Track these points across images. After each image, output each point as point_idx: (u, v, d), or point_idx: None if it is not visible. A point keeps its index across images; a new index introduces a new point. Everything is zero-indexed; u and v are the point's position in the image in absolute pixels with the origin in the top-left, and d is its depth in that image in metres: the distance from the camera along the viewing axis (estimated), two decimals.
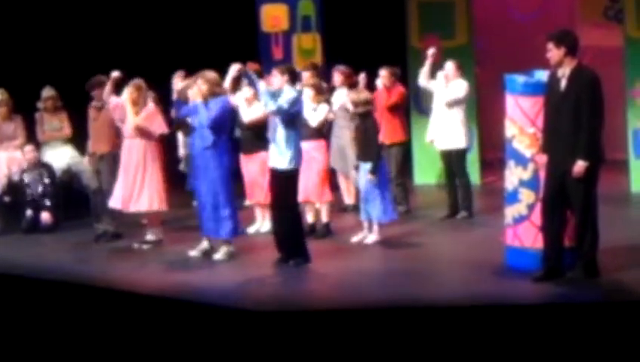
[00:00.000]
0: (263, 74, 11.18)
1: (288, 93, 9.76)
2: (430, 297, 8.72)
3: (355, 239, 10.69)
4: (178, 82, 12.20)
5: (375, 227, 10.61)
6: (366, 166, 10.53)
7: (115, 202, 10.98)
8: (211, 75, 10.28)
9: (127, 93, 10.88)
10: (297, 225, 9.89)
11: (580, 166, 8.47)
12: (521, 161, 9.09)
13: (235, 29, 15.50)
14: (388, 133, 11.85)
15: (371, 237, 10.62)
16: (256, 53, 15.27)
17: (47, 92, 13.16)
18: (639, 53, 13.05)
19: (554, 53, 8.60)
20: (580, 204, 8.59)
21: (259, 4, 15.36)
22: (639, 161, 13.06)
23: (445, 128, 11.72)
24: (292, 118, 9.76)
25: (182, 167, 13.20)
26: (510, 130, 9.22)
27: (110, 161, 11.31)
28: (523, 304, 8.35)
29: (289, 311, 8.53)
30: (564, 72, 8.60)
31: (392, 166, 11.86)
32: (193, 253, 10.43)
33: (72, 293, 9.49)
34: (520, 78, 9.21)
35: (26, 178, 12.59)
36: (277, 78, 9.92)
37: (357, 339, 7.82)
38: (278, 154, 9.77)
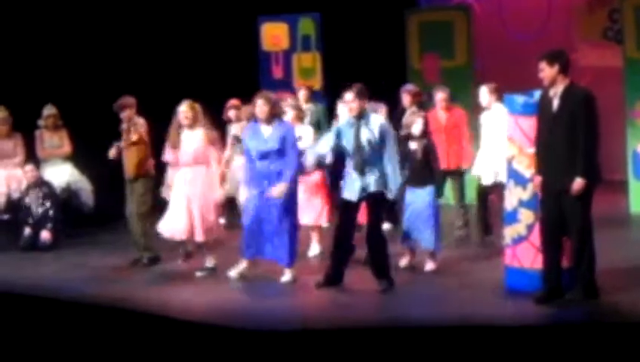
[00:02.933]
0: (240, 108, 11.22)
1: (375, 120, 9.52)
2: (428, 317, 8.70)
3: (428, 268, 10.29)
4: (232, 110, 12.22)
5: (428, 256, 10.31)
6: (420, 191, 10.17)
7: (177, 233, 10.53)
8: (271, 95, 10.09)
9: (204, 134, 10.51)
10: (384, 249, 9.59)
11: (578, 183, 8.44)
12: (521, 181, 9.09)
13: (236, 48, 15.55)
14: (451, 157, 11.59)
15: (429, 266, 10.27)
16: (256, 71, 15.32)
17: (49, 110, 13.19)
18: (638, 73, 13.07)
19: (547, 72, 8.60)
20: (576, 225, 8.56)
21: (259, 22, 15.40)
22: (638, 181, 13.06)
23: (493, 162, 11.18)
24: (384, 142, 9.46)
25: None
26: (510, 150, 9.22)
27: (143, 186, 11.08)
28: (522, 325, 8.32)
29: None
30: (557, 91, 8.59)
31: (454, 191, 11.75)
32: (284, 279, 10.06)
33: (71, 312, 9.46)
34: (519, 99, 9.22)
35: (26, 197, 12.58)
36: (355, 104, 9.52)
37: (354, 359, 7.80)
38: (347, 185, 9.56)
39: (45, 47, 14.98)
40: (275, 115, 9.95)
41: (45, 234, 12.44)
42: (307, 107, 12.61)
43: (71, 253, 12.12)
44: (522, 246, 9.13)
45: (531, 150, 8.98)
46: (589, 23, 15.69)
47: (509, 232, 9.27)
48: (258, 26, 15.40)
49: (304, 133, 10.97)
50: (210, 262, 10.66)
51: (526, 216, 9.08)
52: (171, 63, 15.33)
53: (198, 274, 10.56)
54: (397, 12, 15.11)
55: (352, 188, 9.52)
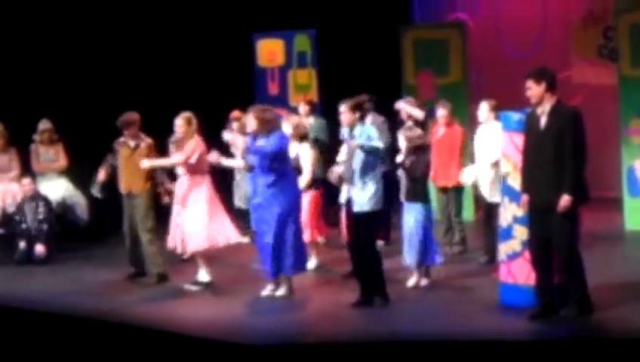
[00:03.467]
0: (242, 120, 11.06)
1: (372, 132, 9.46)
2: (423, 332, 8.70)
3: (410, 284, 10.26)
4: (234, 123, 12.12)
5: (416, 272, 10.27)
6: (411, 206, 10.15)
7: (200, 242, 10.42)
8: (262, 109, 10.05)
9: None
10: (377, 266, 9.56)
11: (565, 200, 8.43)
12: (515, 197, 9.09)
13: (232, 64, 15.57)
14: (448, 174, 11.62)
15: (423, 281, 10.26)
16: (252, 88, 15.34)
17: (44, 125, 13.20)
18: (633, 91, 13.10)
19: (534, 90, 8.61)
20: (563, 244, 8.54)
21: (255, 39, 15.44)
22: (633, 199, 13.08)
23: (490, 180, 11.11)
24: (375, 158, 9.44)
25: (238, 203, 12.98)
26: (505, 166, 9.24)
27: (147, 201, 10.93)
28: (516, 341, 8.32)
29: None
30: (544, 109, 8.60)
31: (451, 207, 11.75)
32: (279, 293, 9.99)
33: (66, 326, 9.44)
34: (515, 116, 9.24)
35: (22, 210, 12.58)
36: (345, 116, 9.51)
37: None
38: (357, 196, 9.41)
39: (40, 61, 14.98)
40: (267, 128, 9.85)
41: (40, 248, 12.43)
42: (307, 121, 12.52)
43: (65, 267, 12.12)
44: (517, 263, 9.14)
45: None
46: (583, 40, 15.74)
47: (504, 248, 9.27)
48: (254, 43, 15.43)
49: (302, 150, 10.87)
50: (203, 276, 10.55)
51: (520, 233, 9.09)
52: (167, 79, 15.34)
53: (188, 287, 10.47)
54: (392, 29, 15.15)
55: (342, 196, 9.65)
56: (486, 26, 16.08)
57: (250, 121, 9.90)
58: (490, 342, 8.27)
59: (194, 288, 10.50)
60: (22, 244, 12.50)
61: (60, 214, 12.98)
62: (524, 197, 8.77)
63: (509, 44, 16.08)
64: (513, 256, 9.17)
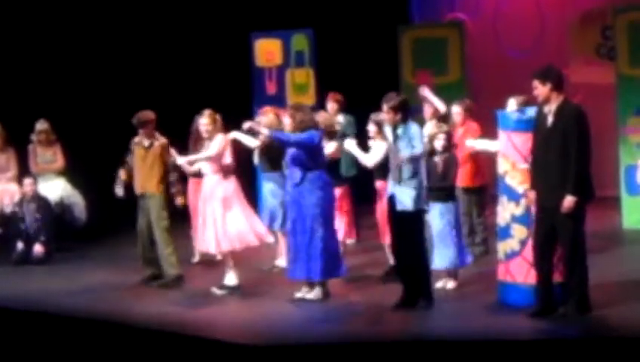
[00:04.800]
0: (279, 117, 10.75)
1: (414, 131, 9.27)
2: (422, 332, 8.71)
3: (438, 285, 9.95)
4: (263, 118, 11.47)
5: (446, 274, 10.02)
6: (440, 206, 9.91)
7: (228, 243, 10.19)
8: (299, 108, 9.84)
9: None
10: (423, 266, 9.39)
11: (569, 201, 8.46)
12: (514, 196, 9.09)
13: (229, 64, 15.57)
14: (474, 174, 11.35)
15: (450, 284, 10.02)
16: (250, 87, 15.33)
17: (41, 125, 13.18)
18: (631, 90, 13.10)
19: (540, 90, 8.63)
20: (568, 241, 8.58)
21: (253, 38, 15.42)
22: (631, 197, 13.08)
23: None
24: (419, 157, 9.28)
25: None
26: (502, 165, 9.24)
27: (161, 201, 10.75)
28: (515, 339, 8.32)
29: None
30: (551, 108, 8.62)
31: (473, 208, 11.43)
32: (309, 296, 9.74)
33: (64, 327, 9.44)
34: (513, 115, 9.25)
35: (20, 210, 12.57)
36: (388, 116, 9.33)
37: None
38: (403, 195, 9.21)
39: (37, 62, 14.97)
40: (301, 127, 9.57)
41: (38, 248, 12.42)
42: (336, 119, 12.19)
43: (63, 267, 12.10)
44: (515, 262, 9.13)
45: (524, 166, 9.00)
46: (581, 39, 15.74)
47: (502, 247, 9.27)
48: (252, 42, 15.42)
49: (329, 148, 10.47)
50: (230, 280, 10.26)
51: (519, 232, 9.09)
52: (165, 79, 15.33)
53: (216, 292, 10.23)
54: (390, 28, 15.15)
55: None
56: (484, 26, 16.07)
57: (286, 119, 9.76)
58: (489, 341, 8.27)
59: (221, 292, 10.22)
60: (20, 245, 12.49)
61: (58, 214, 12.96)
62: (531, 194, 8.77)
63: (507, 44, 16.06)
64: (511, 255, 9.16)
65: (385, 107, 9.34)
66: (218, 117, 10.40)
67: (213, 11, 15.79)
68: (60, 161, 13.22)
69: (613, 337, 8.28)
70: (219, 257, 10.85)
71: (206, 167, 10.35)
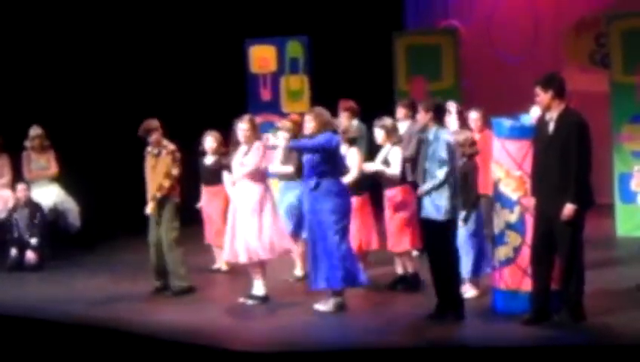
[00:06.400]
0: (300, 126, 10.49)
1: (441, 147, 9.05)
2: (416, 339, 8.70)
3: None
4: (287, 124, 11.28)
5: (467, 283, 9.82)
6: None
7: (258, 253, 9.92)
8: (321, 111, 9.67)
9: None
10: (455, 278, 9.18)
11: (569, 209, 8.48)
12: (508, 203, 9.10)
13: (224, 70, 15.57)
14: (486, 181, 10.81)
15: (470, 293, 9.78)
16: (244, 94, 15.34)
17: (35, 131, 13.17)
18: (625, 97, 13.13)
19: (542, 97, 8.67)
20: (566, 249, 8.59)
21: (247, 45, 15.44)
22: (625, 205, 13.09)
23: None
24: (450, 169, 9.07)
25: None
26: (496, 173, 9.25)
27: (172, 211, 10.63)
28: (508, 346, 8.32)
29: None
30: (552, 116, 8.65)
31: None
32: (322, 308, 9.53)
33: (57, 333, 9.43)
34: (507, 122, 9.24)
35: (14, 217, 12.55)
36: (421, 115, 9.24)
37: None
38: (433, 205, 9.05)
39: (31, 68, 14.96)
40: (322, 131, 9.46)
41: (31, 255, 12.40)
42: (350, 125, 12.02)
43: (57, 273, 12.09)
44: (509, 269, 9.14)
45: (518, 173, 9.01)
46: (575, 46, 15.77)
47: (497, 255, 9.27)
48: (246, 49, 15.43)
49: (350, 154, 10.35)
50: (258, 289, 10.03)
51: (513, 239, 9.09)
52: (160, 85, 15.32)
53: (244, 301, 10.02)
54: (385, 35, 15.16)
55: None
56: (478, 32, 16.10)
57: (308, 123, 9.61)
58: (482, 348, 8.27)
59: (250, 302, 10.02)
60: (13, 251, 12.47)
61: (52, 221, 12.95)
62: (531, 200, 8.78)
63: (501, 50, 16.09)
64: (506, 262, 9.16)
65: (419, 107, 9.33)
66: (257, 122, 10.27)
67: (208, 18, 15.79)
68: (53, 168, 13.21)
69: (606, 345, 8.28)
70: (223, 268, 10.74)
71: (238, 173, 10.09)
